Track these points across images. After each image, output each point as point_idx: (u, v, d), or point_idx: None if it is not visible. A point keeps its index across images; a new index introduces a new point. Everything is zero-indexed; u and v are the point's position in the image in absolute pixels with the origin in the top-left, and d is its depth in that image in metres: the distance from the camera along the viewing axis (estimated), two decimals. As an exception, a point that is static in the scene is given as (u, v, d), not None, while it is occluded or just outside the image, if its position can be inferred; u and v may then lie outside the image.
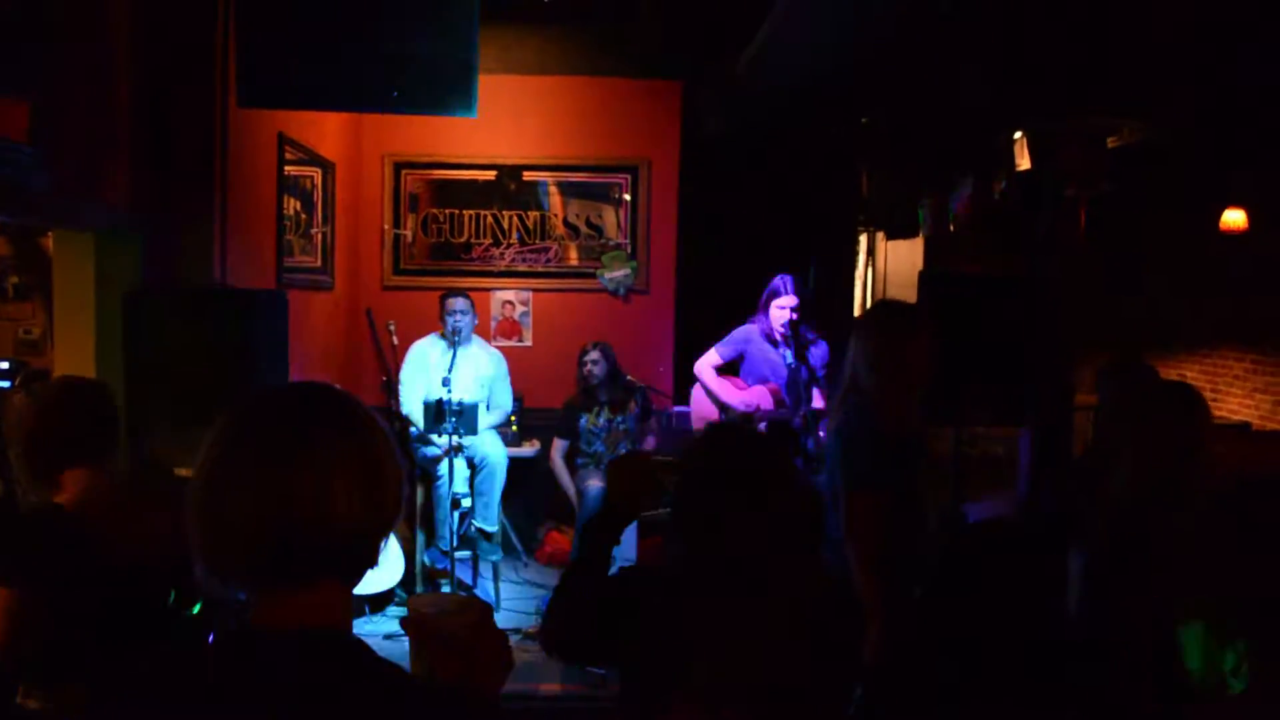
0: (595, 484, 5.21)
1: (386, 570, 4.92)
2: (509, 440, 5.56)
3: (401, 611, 5.07)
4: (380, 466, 1.18)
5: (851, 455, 2.78)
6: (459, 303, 5.26)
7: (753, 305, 5.11)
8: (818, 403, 4.80)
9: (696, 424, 5.28)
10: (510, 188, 6.24)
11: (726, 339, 5.17)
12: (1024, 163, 5.05)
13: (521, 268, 6.27)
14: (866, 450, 2.76)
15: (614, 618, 1.80)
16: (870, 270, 7.32)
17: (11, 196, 2.81)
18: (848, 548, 2.73)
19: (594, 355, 5.51)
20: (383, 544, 1.20)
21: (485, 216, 6.25)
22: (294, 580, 1.13)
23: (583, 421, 5.51)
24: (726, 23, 5.53)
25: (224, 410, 1.17)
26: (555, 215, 6.27)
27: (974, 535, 1.65)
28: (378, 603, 5.05)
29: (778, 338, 4.98)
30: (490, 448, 5.21)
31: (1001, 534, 1.53)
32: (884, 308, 3.51)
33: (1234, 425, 6.53)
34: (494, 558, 5.25)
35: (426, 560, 5.22)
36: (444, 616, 1.38)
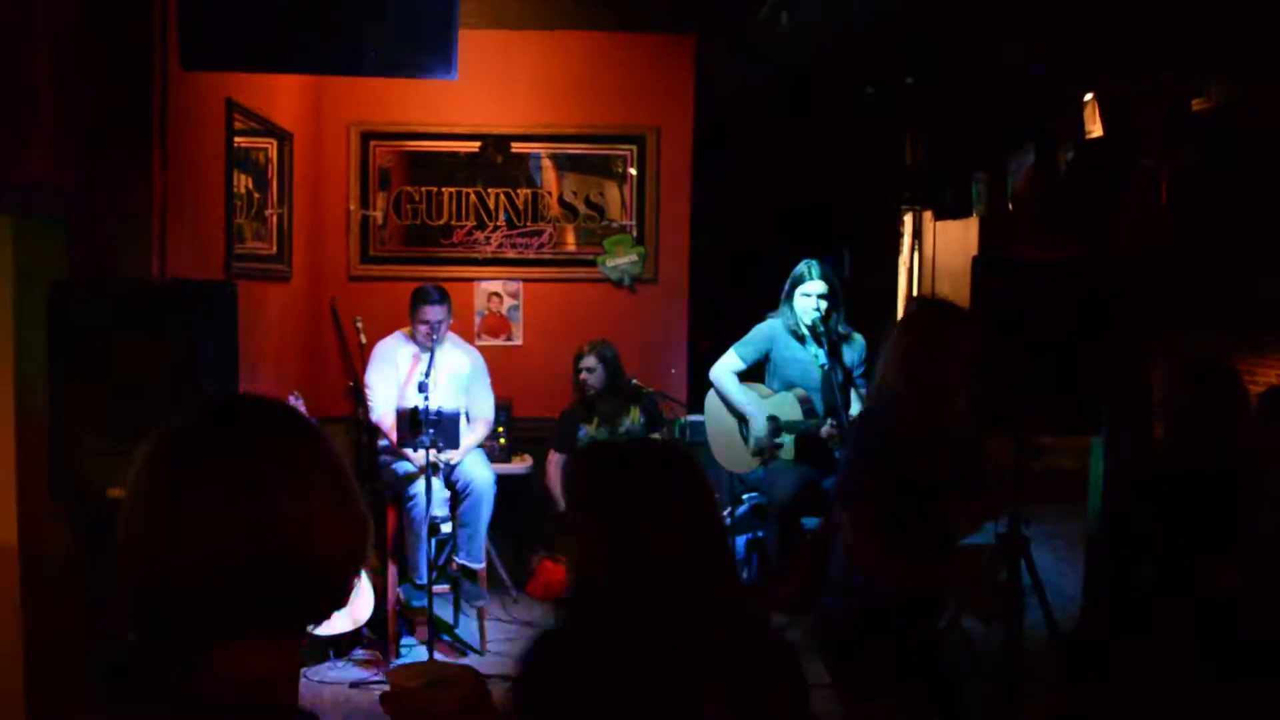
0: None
1: (353, 608, 4.93)
2: (495, 455, 5.57)
3: (370, 657, 5.09)
4: (350, 483, 1.18)
5: (857, 461, 2.95)
6: (435, 311, 5.12)
7: (778, 297, 5.11)
8: (856, 408, 4.80)
9: (712, 436, 5.29)
10: (497, 161, 6.25)
11: (747, 338, 5.17)
12: (1095, 129, 5.05)
13: (510, 254, 6.29)
14: (874, 458, 2.89)
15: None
16: (916, 255, 7.34)
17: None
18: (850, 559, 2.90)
19: (589, 362, 5.52)
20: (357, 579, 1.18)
21: (468, 195, 6.27)
22: (256, 630, 1.10)
23: (582, 433, 5.52)
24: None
25: (164, 422, 1.15)
26: (549, 193, 6.29)
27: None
28: (343, 646, 5.06)
29: (805, 333, 4.97)
30: (475, 471, 5.18)
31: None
32: (924, 306, 3.65)
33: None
34: (480, 602, 5.25)
35: (401, 596, 5.23)
36: (428, 690, 1.37)
